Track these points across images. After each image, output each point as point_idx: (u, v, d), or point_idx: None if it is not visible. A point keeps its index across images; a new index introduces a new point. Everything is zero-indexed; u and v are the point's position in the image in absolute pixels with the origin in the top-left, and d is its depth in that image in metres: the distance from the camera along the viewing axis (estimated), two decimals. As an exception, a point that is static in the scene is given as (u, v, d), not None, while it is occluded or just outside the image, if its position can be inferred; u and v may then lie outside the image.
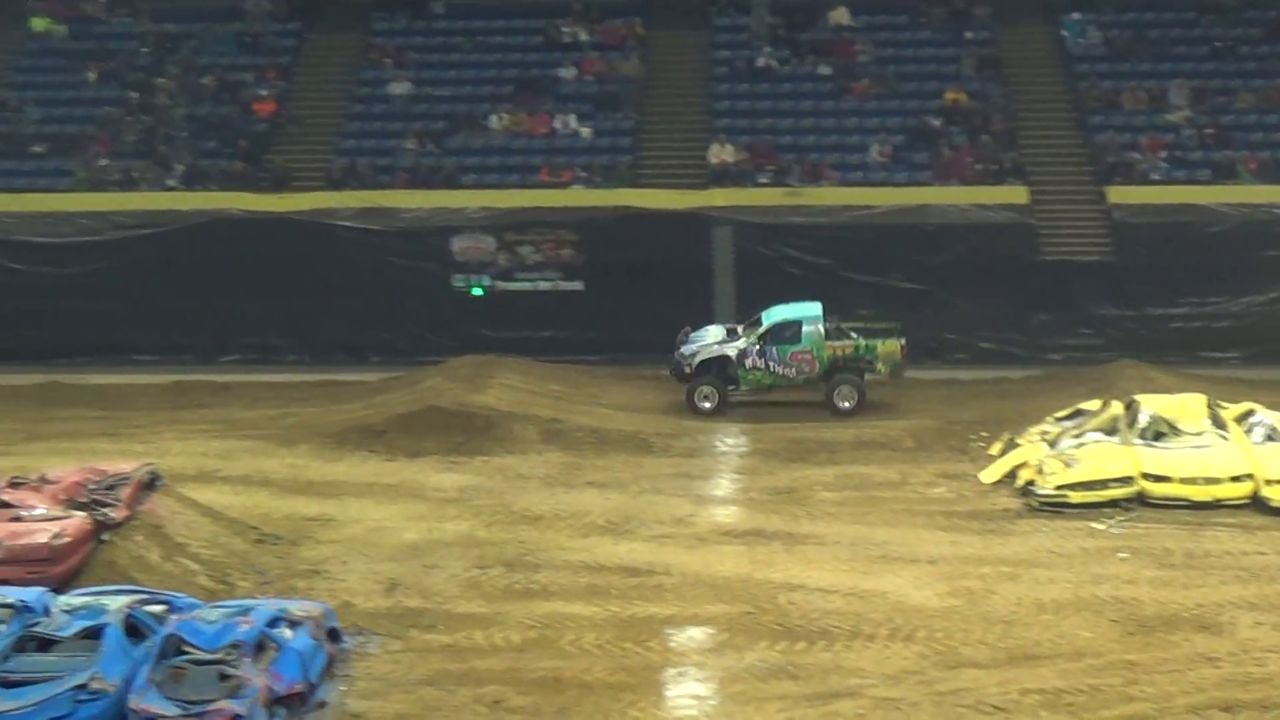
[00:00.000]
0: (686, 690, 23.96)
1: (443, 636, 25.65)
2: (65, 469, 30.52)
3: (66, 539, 26.80)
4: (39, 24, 52.80)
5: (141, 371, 44.56)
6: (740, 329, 40.84)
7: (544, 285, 45.49)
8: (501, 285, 45.69)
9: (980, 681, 23.91)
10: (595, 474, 34.74)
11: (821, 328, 39.80)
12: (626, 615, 26.48)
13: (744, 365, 39.92)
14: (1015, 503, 32.31)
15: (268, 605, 24.30)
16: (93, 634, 22.80)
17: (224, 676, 21.89)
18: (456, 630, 25.85)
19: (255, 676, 21.98)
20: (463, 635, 25.65)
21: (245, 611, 23.54)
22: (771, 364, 39.85)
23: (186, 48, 51.85)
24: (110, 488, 28.95)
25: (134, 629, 23.08)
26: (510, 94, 50.04)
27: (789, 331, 39.86)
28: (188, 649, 22.41)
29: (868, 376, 40.15)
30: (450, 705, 23.13)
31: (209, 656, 22.24)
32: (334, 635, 24.75)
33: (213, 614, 23.47)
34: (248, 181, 47.30)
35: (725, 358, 40.03)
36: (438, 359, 42.61)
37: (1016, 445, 34.69)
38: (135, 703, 21.63)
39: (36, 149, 48.64)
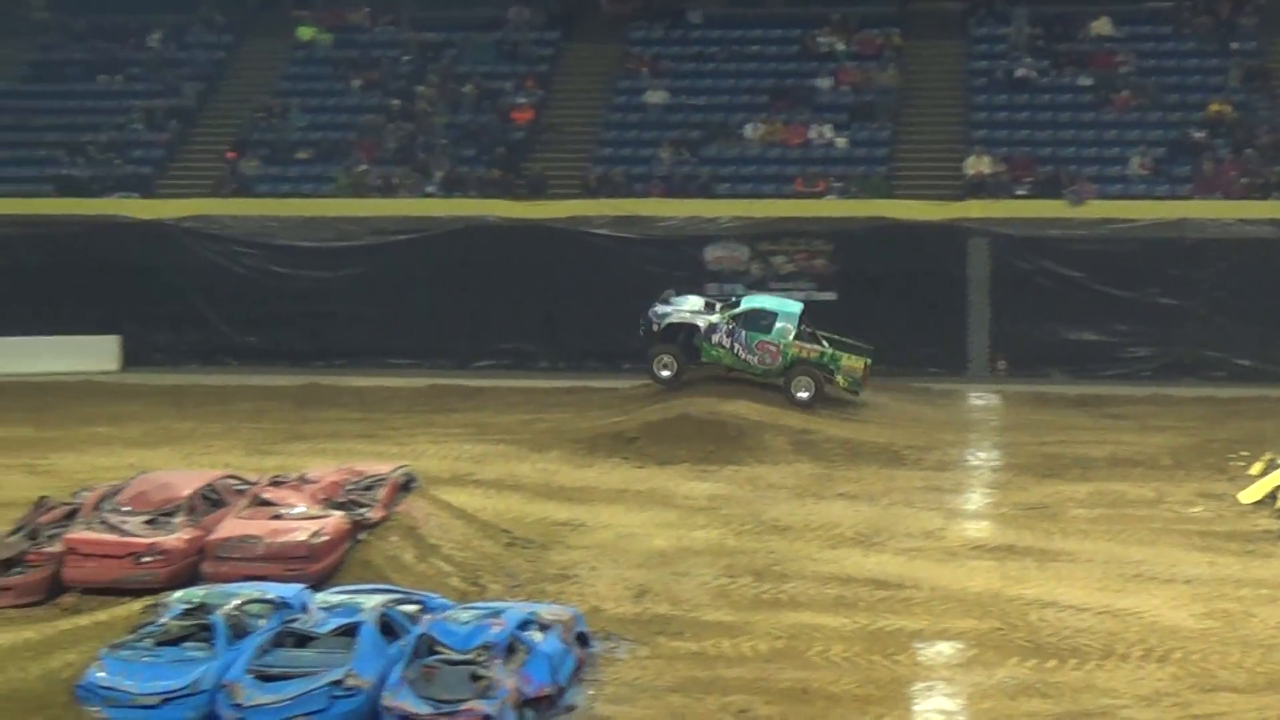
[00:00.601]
0: (934, 705, 23.68)
1: (690, 644, 25.67)
2: (324, 469, 31.16)
3: (325, 538, 27.34)
4: (305, 33, 54.08)
5: (398, 375, 45.44)
6: (719, 305, 40.98)
7: (796, 295, 45.46)
8: (754, 295, 45.76)
9: (1237, 706, 23.26)
10: (846, 485, 34.58)
11: (794, 325, 40.12)
12: (875, 628, 26.28)
13: (709, 339, 40.15)
14: (1276, 524, 31.47)
15: (518, 608, 24.54)
16: (348, 631, 23.19)
17: (475, 677, 22.12)
18: (704, 638, 25.86)
19: (505, 678, 22.19)
20: (710, 643, 25.64)
21: (496, 614, 23.79)
22: (737, 346, 40.06)
23: (447, 56, 52.72)
24: (367, 488, 29.50)
25: (388, 628, 23.43)
26: (766, 104, 50.07)
27: (764, 321, 40.13)
28: (440, 649, 22.70)
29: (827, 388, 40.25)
30: (697, 713, 23.13)
31: (461, 657, 22.49)
32: (583, 640, 24.91)
33: (465, 615, 23.75)
34: (505, 189, 47.92)
35: (694, 327, 40.21)
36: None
37: (1278, 465, 33.81)
38: (388, 700, 21.96)
39: (301, 155, 49.80)
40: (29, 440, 38.55)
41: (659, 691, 23.86)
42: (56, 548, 27.73)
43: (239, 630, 23.46)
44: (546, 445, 37.49)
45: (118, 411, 41.43)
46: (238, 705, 22.10)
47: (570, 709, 23.09)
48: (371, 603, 23.88)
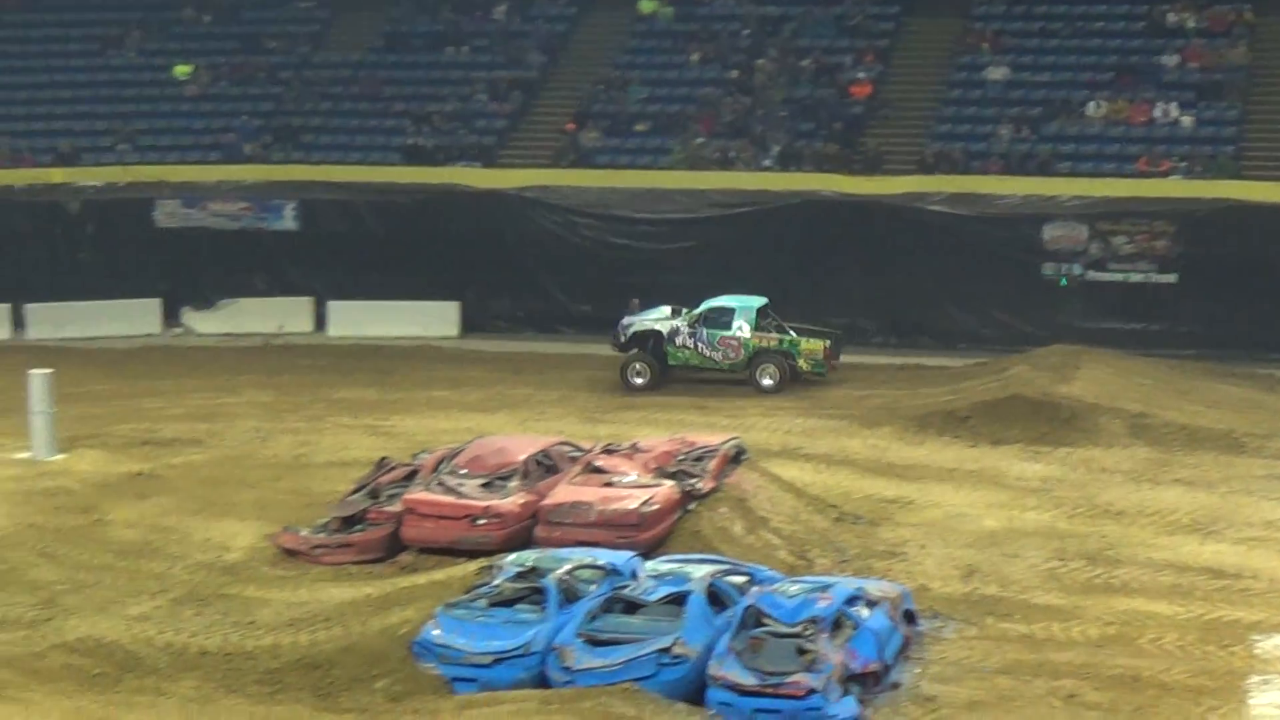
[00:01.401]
0: (1271, 700, 23.02)
1: (1019, 626, 25.36)
2: (656, 439, 31.55)
3: (655, 506, 27.68)
4: (647, 6, 54.57)
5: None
6: (685, 311, 42.05)
7: (1136, 277, 44.49)
8: (1092, 275, 44.90)
9: None
10: (1183, 471, 33.74)
11: (753, 319, 41.51)
12: (1210, 618, 25.62)
13: (674, 343, 41.66)
14: None
15: (846, 583, 24.53)
16: (677, 600, 23.45)
17: (801, 651, 22.18)
18: (1033, 621, 25.52)
19: (831, 653, 22.21)
20: (1040, 626, 25.30)
21: (824, 588, 23.82)
22: (700, 345, 41.57)
23: (787, 30, 52.73)
24: (698, 459, 29.75)
25: (716, 598, 23.63)
26: (1109, 81, 49.00)
27: (723, 318, 41.63)
28: (767, 621, 22.82)
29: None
30: (1025, 696, 22.86)
31: (787, 630, 22.58)
32: (910, 618, 24.81)
33: (792, 589, 23.83)
34: (841, 164, 47.78)
35: (658, 333, 41.58)
36: (1024, 347, 42.13)
37: None
38: (715, 670, 22.14)
39: (639, 127, 50.30)
40: (372, 402, 39.72)
41: (986, 673, 23.65)
42: (396, 507, 28.59)
43: (570, 595, 23.91)
44: (878, 421, 37.35)
45: (457, 376, 42.44)
46: (567, 668, 22.52)
47: (895, 686, 23.02)
48: (700, 573, 24.10)
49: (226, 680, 23.83)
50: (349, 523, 28.90)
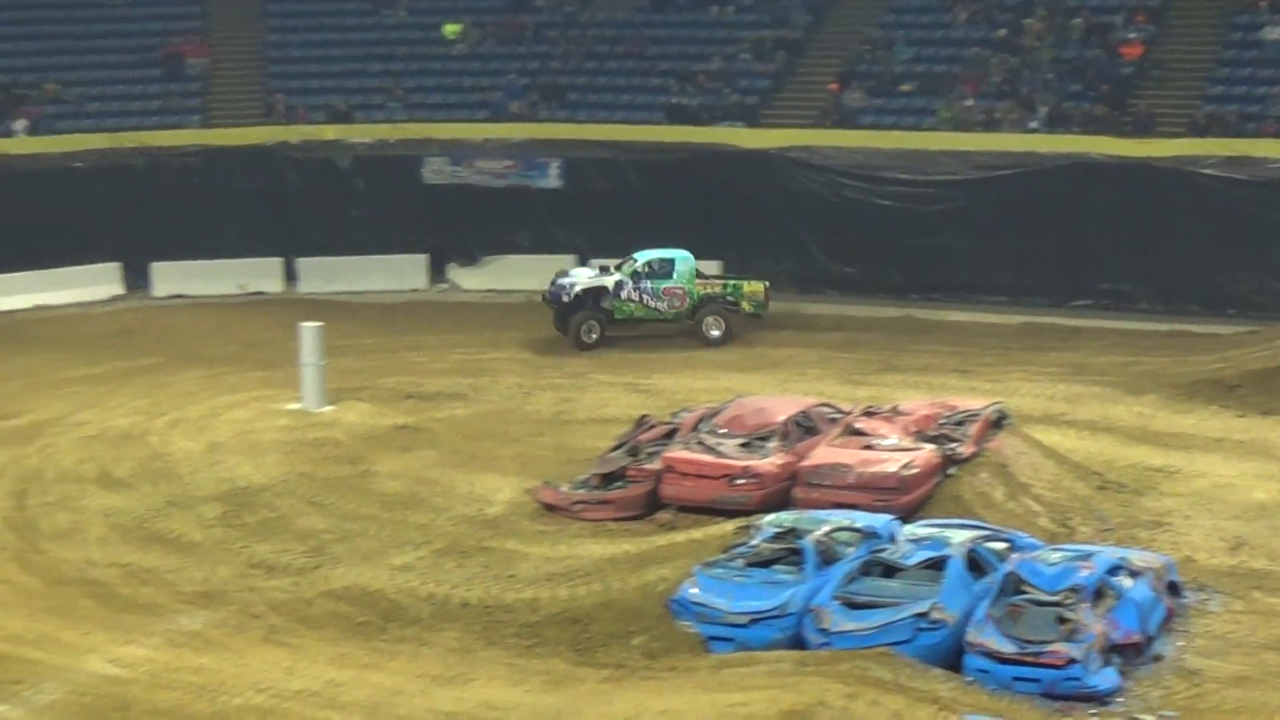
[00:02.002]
0: None
1: (1289, 602, 24.79)
2: (917, 402, 31.35)
3: (915, 470, 27.51)
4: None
5: (992, 310, 45.12)
6: (612, 268, 42.54)
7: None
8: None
9: None
10: None
11: (693, 266, 42.49)
12: None
13: (619, 296, 42.04)
14: None
15: (1109, 552, 24.13)
16: (935, 565, 23.27)
17: (1061, 619, 21.88)
18: (1303, 597, 24.92)
19: (1093, 622, 21.87)
20: (1314, 603, 24.68)
21: (1086, 557, 23.46)
22: (645, 297, 42.05)
23: (1058, -12, 51.80)
24: (959, 423, 29.48)
25: (975, 564, 23.40)
26: (1393, 40, 47.38)
27: (665, 268, 42.22)
28: (1027, 589, 22.55)
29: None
30: (1293, 672, 22.35)
31: (1048, 598, 22.29)
32: (1174, 589, 24.32)
33: (1053, 556, 23.51)
34: (1110, 126, 46.81)
35: (603, 289, 41.85)
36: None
37: None
38: (973, 636, 21.94)
39: (904, 87, 49.83)
40: (633, 360, 40.01)
41: (1252, 647, 23.10)
42: (655, 465, 28.78)
43: (828, 557, 23.87)
44: (1143, 389, 36.65)
45: (718, 336, 42.53)
46: (824, 630, 22.49)
47: (1158, 659, 22.59)
48: (960, 538, 23.90)
49: (486, 632, 24.23)
50: (608, 479, 29.18)
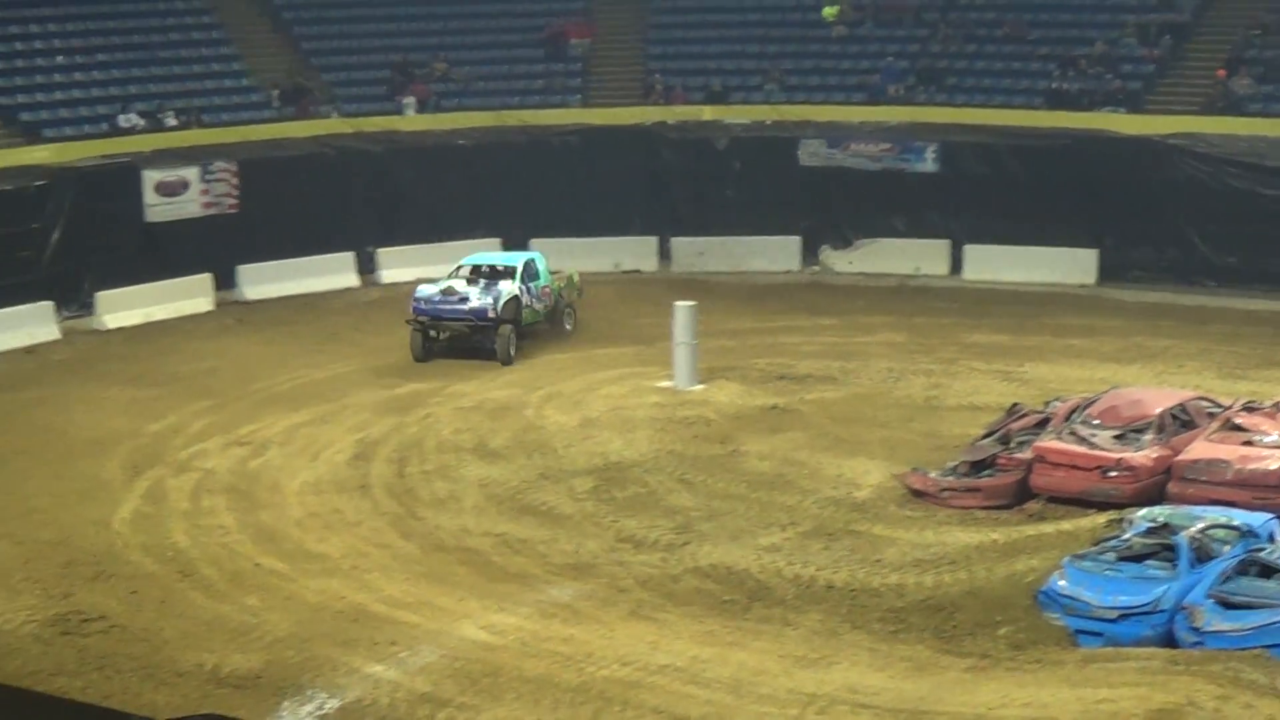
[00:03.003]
0: None
1: None
2: (1298, 398, 30.42)
3: None
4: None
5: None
6: (451, 278, 40.24)
7: None
8: None
9: None
10: None
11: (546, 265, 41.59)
12: None
13: (526, 305, 40.14)
14: None
15: None
16: (1316, 567, 22.62)
17: None
18: None
19: None
20: None
21: None
22: (532, 300, 40.42)
23: None
24: (1345, 423, 28.58)
25: (1359, 569, 22.67)
26: None
27: (533, 270, 40.67)
28: None
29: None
30: None
31: None
32: None
33: None
34: None
35: (517, 299, 39.62)
36: None
37: None
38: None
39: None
40: (1005, 347, 39.54)
41: None
42: (1026, 454, 28.45)
43: (1202, 554, 23.38)
44: None
45: (1093, 325, 41.79)
46: (1196, 629, 22.02)
47: None
48: (1342, 541, 23.17)
49: (851, 615, 24.28)
50: (978, 467, 28.95)
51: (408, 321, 39.23)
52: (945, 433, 32.24)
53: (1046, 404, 30.99)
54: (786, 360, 38.44)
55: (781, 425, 33.33)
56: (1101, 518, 25.97)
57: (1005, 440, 29.34)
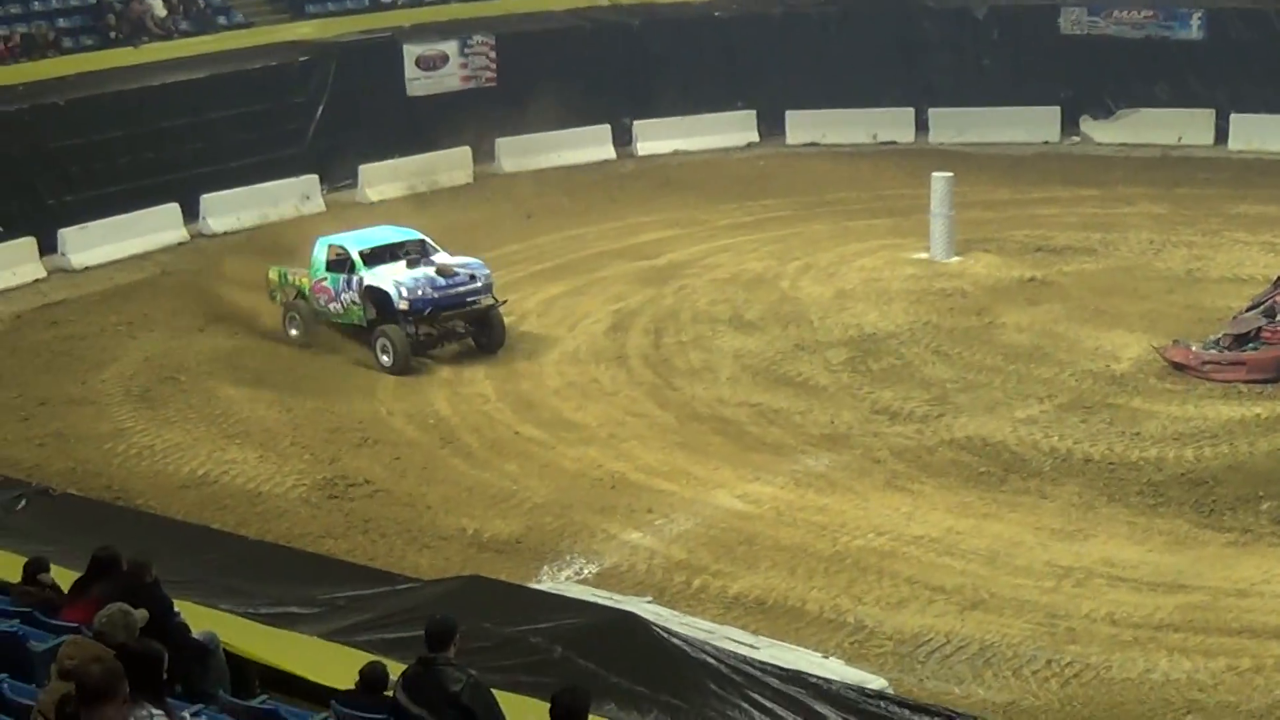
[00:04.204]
0: None
1: None
2: None
3: None
4: None
5: None
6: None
7: None
8: None
9: None
10: None
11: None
12: None
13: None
14: None
15: None
16: None
17: None
18: None
19: None
20: None
21: None
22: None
23: None
24: None
25: None
26: None
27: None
28: None
29: None
30: None
31: None
32: None
33: None
34: None
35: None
36: None
37: None
38: None
39: None
40: (1272, 218, 38.47)
41: None
42: (1293, 327, 27.86)
43: None
44: None
45: (1365, 195, 40.50)
46: None
47: None
48: None
49: (1108, 488, 24.10)
50: (1241, 340, 28.39)
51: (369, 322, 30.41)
52: (1207, 305, 31.62)
53: (1317, 276, 30.28)
54: (1044, 232, 37.89)
55: (1039, 297, 32.95)
56: None
57: (1270, 313, 28.70)
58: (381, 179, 43.38)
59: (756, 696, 15.56)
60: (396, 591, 17.99)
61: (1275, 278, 30.62)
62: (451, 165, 44.70)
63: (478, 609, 16.27)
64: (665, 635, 16.18)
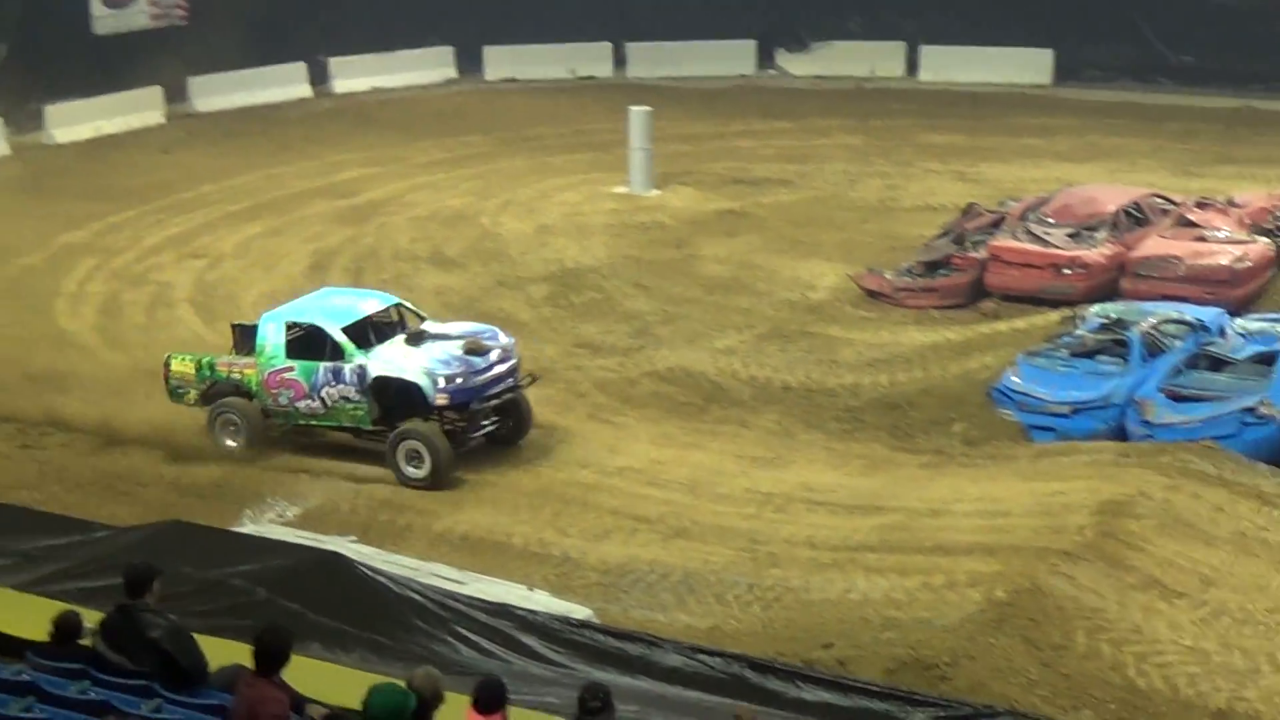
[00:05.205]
0: None
1: None
2: (1252, 194, 30.54)
3: (1248, 263, 26.96)
4: None
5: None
6: (407, 340, 23.74)
7: None
8: None
9: None
10: None
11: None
12: None
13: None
14: None
15: None
16: (1266, 360, 22.89)
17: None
18: None
19: None
20: None
21: None
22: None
23: None
24: (1297, 217, 28.64)
25: (1308, 361, 22.90)
26: None
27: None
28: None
29: None
30: None
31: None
32: None
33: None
34: None
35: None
36: None
37: None
38: (1302, 432, 21.57)
39: None
40: (961, 148, 39.45)
41: None
42: (981, 254, 28.59)
43: (1154, 348, 23.63)
44: None
45: (1048, 125, 41.67)
46: (1147, 422, 22.32)
47: None
48: (1292, 332, 23.38)
49: (806, 415, 24.57)
50: (933, 267, 29.08)
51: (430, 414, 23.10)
52: (901, 234, 32.31)
53: (1001, 203, 31.10)
54: (742, 164, 38.34)
55: (737, 229, 33.34)
56: (1055, 315, 26.16)
57: (960, 240, 29.43)
58: (69, 120, 42.06)
59: (463, 631, 15.58)
60: (93, 539, 17.57)
61: (964, 206, 31.41)
62: (142, 105, 43.55)
63: (178, 554, 15.96)
64: (369, 574, 16.09)
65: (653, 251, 32.01)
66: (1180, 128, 41.08)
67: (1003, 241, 28.51)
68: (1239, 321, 24.39)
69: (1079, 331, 24.36)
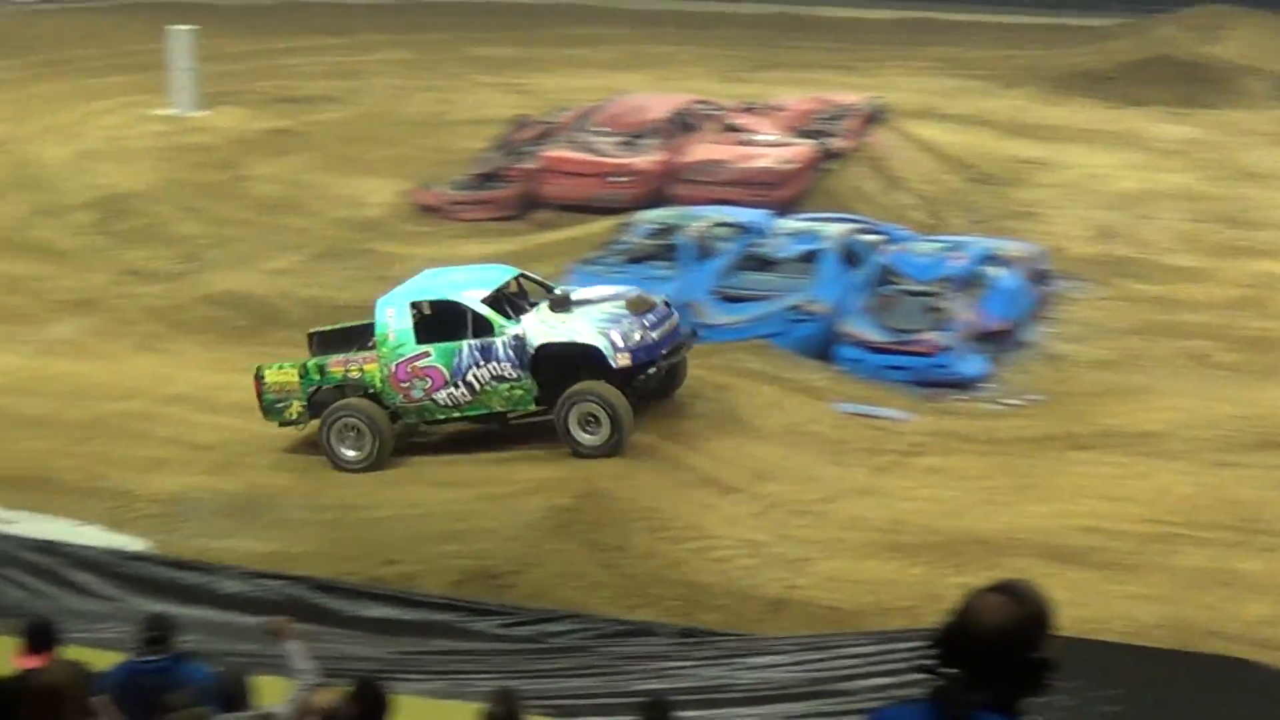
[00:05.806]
0: None
1: (1151, 287, 25.28)
2: (795, 97, 31.34)
3: (792, 165, 27.63)
4: None
5: (872, 6, 44.79)
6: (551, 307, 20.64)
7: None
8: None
9: None
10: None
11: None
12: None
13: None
14: None
15: (980, 243, 24.51)
16: (809, 258, 23.55)
17: (932, 309, 22.29)
18: (1166, 282, 25.41)
19: (962, 311, 22.29)
20: (1171, 288, 25.19)
21: (957, 247, 23.82)
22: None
23: None
24: (835, 118, 29.58)
25: (849, 256, 23.67)
26: None
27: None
28: (898, 279, 22.89)
29: None
30: (1153, 355, 22.88)
31: (919, 288, 22.67)
32: (1042, 277, 24.75)
33: (925, 247, 23.85)
34: None
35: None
36: (1172, 8, 40.88)
37: None
38: (845, 327, 22.31)
39: None
40: (511, 60, 39.59)
41: (1117, 333, 23.69)
42: (533, 164, 28.72)
43: (704, 251, 24.04)
44: (1018, 81, 36.76)
45: (597, 35, 42.12)
46: (700, 323, 22.73)
47: (1025, 345, 23.08)
48: (834, 231, 24.12)
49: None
50: (486, 180, 29.11)
51: (621, 377, 19.94)
52: (453, 147, 32.17)
53: (551, 114, 31.25)
54: (291, 82, 37.70)
55: (288, 148, 32.76)
56: (608, 222, 26.46)
57: (512, 152, 29.52)
58: None
59: (11, 572, 15.05)
60: None
61: (515, 118, 31.49)
62: None
63: None
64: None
65: (201, 174, 31.25)
66: (725, 35, 42.05)
67: (553, 151, 28.69)
68: (784, 222, 25.00)
69: (631, 238, 24.67)
